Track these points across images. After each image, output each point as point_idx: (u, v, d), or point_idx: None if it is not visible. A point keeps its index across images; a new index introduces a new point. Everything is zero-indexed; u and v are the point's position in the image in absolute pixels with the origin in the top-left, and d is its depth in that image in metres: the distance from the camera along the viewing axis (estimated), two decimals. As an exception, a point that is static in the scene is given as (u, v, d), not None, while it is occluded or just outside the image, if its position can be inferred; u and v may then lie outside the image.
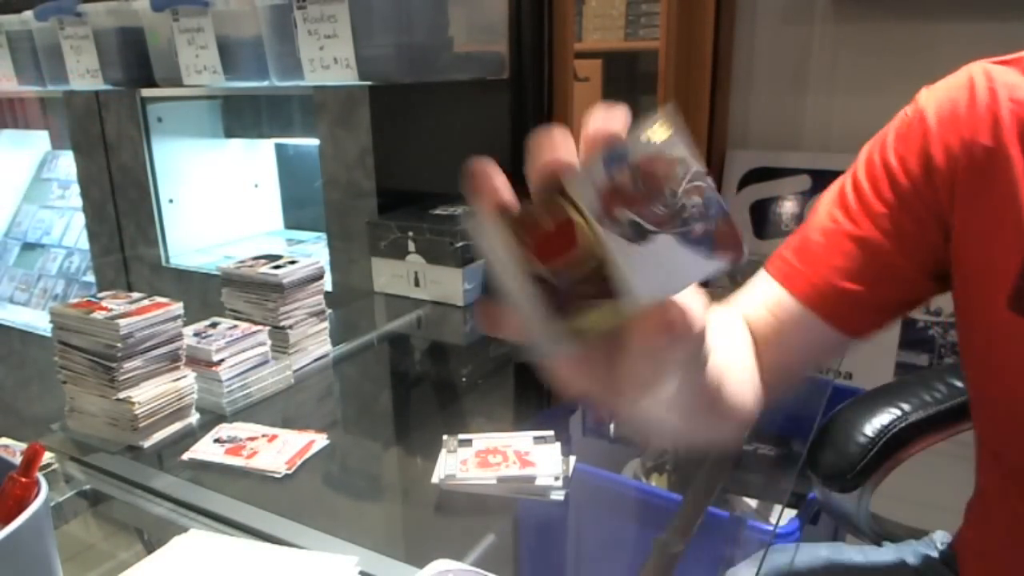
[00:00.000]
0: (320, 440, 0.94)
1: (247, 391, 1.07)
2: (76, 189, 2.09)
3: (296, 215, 2.16)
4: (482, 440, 0.89)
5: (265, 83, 1.54)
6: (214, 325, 1.10)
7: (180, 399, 0.98)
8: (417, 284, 1.45)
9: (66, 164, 2.53)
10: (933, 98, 0.59)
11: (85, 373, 0.93)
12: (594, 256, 0.32)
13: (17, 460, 0.59)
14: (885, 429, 0.87)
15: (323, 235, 1.64)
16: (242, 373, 1.06)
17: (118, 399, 0.92)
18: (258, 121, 1.98)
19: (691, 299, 0.34)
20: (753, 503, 1.22)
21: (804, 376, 0.67)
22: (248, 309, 1.15)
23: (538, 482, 0.81)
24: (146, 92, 1.80)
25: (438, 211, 1.50)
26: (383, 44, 1.36)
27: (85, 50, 1.76)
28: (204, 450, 0.92)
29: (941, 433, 0.89)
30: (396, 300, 1.47)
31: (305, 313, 1.17)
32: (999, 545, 0.67)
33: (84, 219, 2.07)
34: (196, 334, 1.05)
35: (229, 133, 2.03)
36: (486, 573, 0.64)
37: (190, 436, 0.96)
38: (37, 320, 2.32)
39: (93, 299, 0.97)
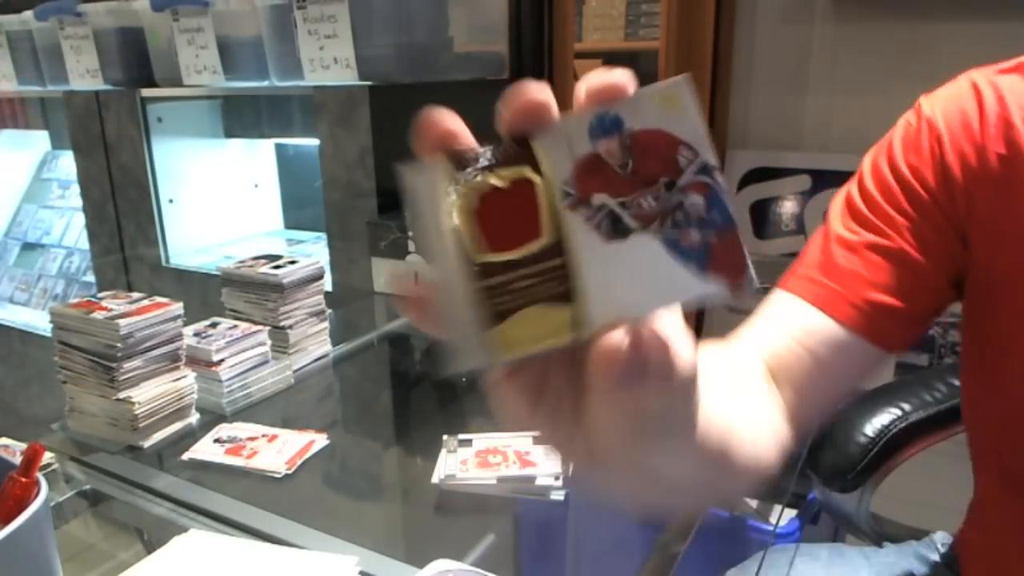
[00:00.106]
0: (320, 440, 0.94)
1: (247, 391, 1.07)
2: (76, 189, 2.09)
3: (296, 215, 2.16)
4: (482, 440, 0.89)
5: (265, 83, 1.54)
6: (214, 325, 1.10)
7: (180, 399, 0.98)
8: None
9: (66, 164, 2.53)
10: (939, 106, 0.58)
11: (85, 373, 0.93)
12: (549, 242, 0.25)
13: (17, 460, 0.58)
14: (885, 429, 0.87)
15: (323, 235, 1.64)
16: (242, 373, 1.06)
17: (118, 399, 0.92)
18: (258, 121, 1.98)
19: (674, 330, 0.26)
20: (753, 503, 1.21)
21: (840, 404, 0.61)
22: (248, 309, 1.15)
23: (538, 482, 0.81)
24: (146, 92, 1.79)
25: (438, 211, 1.49)
26: (383, 44, 1.36)
27: (85, 50, 1.76)
28: (204, 450, 0.92)
29: (941, 433, 0.89)
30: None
31: (305, 313, 1.17)
32: (1001, 548, 0.66)
33: (84, 219, 2.07)
34: (196, 334, 1.05)
35: (229, 133, 2.03)
36: (486, 573, 0.64)
37: (190, 436, 0.96)
38: (37, 320, 2.32)
39: (93, 299, 0.97)
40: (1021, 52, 0.57)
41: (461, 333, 0.26)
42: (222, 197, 2.05)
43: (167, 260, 1.92)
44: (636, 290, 0.25)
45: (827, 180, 1.64)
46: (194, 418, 1.00)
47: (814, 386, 0.55)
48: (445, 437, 0.89)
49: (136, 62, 1.74)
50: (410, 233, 1.40)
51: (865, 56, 1.61)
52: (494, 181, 0.25)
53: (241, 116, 2.01)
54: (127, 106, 1.83)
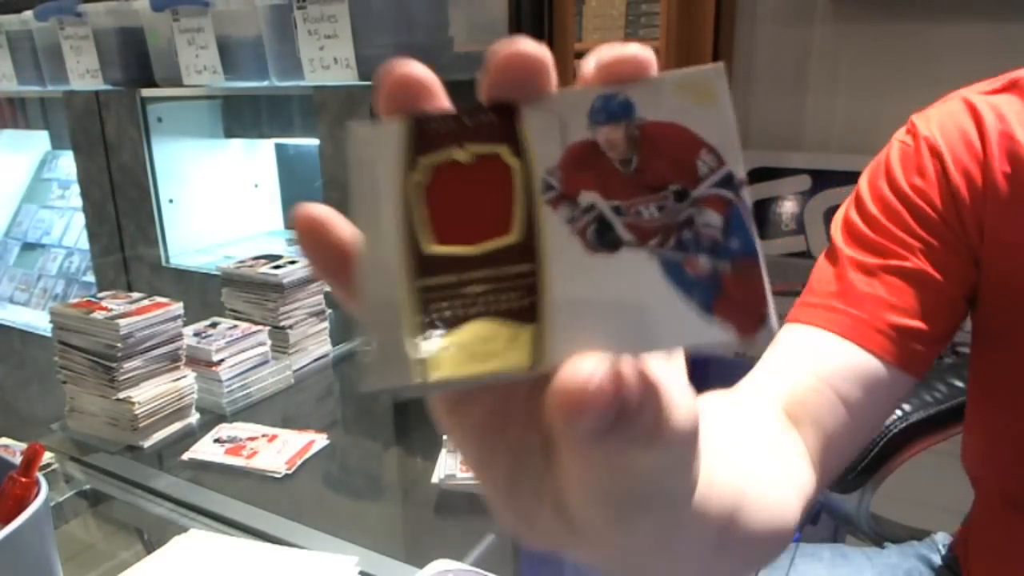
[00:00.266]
0: (320, 440, 0.94)
1: (247, 391, 1.07)
2: (76, 189, 2.09)
3: (296, 215, 2.16)
4: (482, 440, 0.89)
5: (265, 83, 1.54)
6: (214, 325, 1.10)
7: (180, 399, 0.98)
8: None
9: (66, 164, 2.53)
10: (935, 125, 0.56)
11: (85, 373, 0.93)
12: (517, 241, 0.20)
13: (17, 460, 0.59)
14: (886, 429, 0.87)
15: (323, 235, 1.64)
16: (242, 373, 1.06)
17: (118, 399, 0.92)
18: (258, 121, 1.98)
19: (668, 373, 0.21)
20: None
21: (868, 442, 0.57)
22: (248, 309, 1.15)
23: (538, 482, 0.81)
24: (146, 92, 1.79)
25: (438, 211, 1.49)
26: (383, 44, 1.36)
27: (85, 50, 1.76)
28: (204, 450, 0.92)
29: (941, 433, 0.89)
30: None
31: (305, 313, 1.17)
32: (1002, 550, 0.66)
33: (84, 219, 2.07)
34: (196, 334, 1.05)
35: (229, 133, 2.03)
36: (486, 573, 0.64)
37: (190, 436, 0.96)
38: (37, 320, 2.32)
39: (93, 299, 0.97)
40: (1021, 53, 0.57)
41: (383, 339, 0.19)
42: (222, 197, 2.05)
43: (167, 260, 1.92)
44: (615, 322, 0.19)
45: (827, 180, 1.64)
46: (194, 418, 1.00)
47: (841, 425, 0.50)
48: (445, 437, 0.89)
49: (136, 62, 1.74)
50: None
51: (865, 56, 1.61)
52: (458, 156, 0.20)
53: (241, 116, 2.00)
54: (127, 106, 1.83)
